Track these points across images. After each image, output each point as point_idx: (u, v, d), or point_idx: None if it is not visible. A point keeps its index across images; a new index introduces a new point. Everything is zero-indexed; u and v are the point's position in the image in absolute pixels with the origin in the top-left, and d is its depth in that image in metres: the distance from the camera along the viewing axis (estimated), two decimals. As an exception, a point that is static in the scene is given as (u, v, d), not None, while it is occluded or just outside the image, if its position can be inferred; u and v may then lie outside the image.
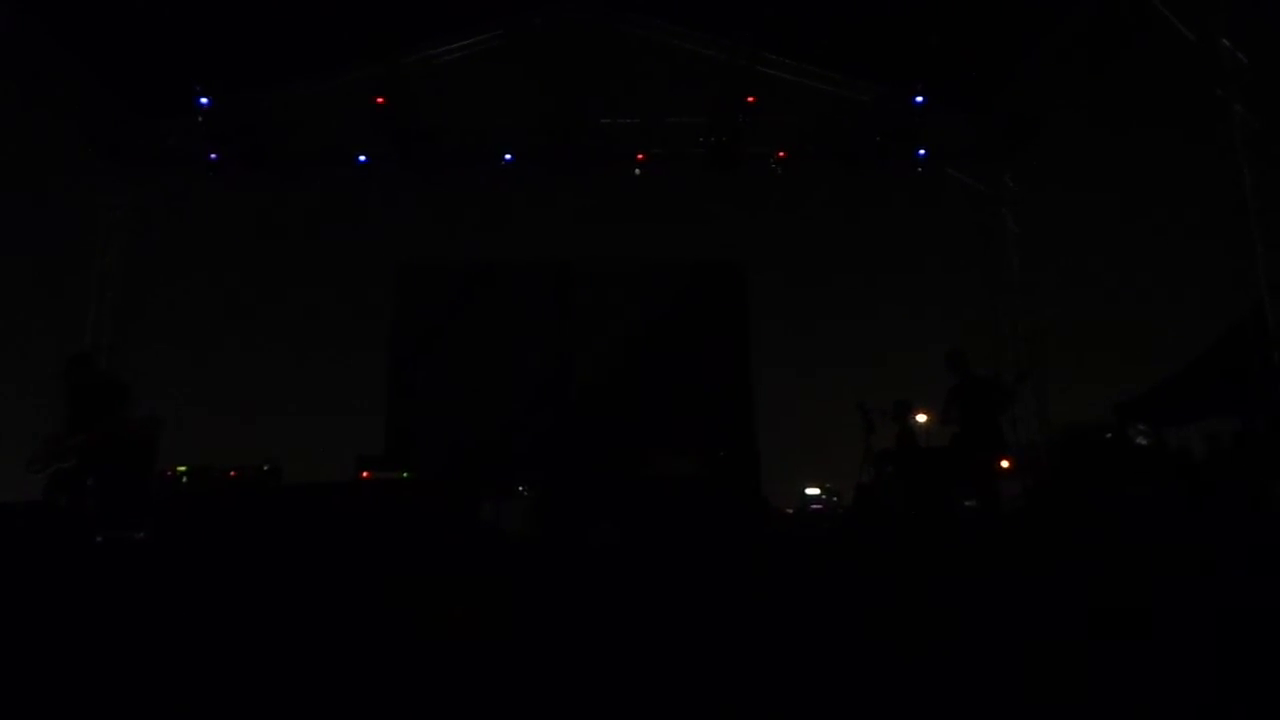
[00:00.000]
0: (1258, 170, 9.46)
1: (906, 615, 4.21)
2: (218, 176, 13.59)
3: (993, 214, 14.22)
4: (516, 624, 4.08)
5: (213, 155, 13.34)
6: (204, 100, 12.64)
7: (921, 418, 10.95)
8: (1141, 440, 8.75)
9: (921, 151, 13.78)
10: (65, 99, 12.28)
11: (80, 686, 2.70)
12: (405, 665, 3.03)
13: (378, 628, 3.93)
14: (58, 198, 13.31)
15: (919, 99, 12.94)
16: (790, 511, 14.62)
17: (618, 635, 3.75)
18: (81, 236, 13.38)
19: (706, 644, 3.40)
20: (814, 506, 15.54)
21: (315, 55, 12.84)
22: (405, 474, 10.38)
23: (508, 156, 13.70)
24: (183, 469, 10.24)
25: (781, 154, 13.75)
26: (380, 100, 12.84)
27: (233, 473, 9.98)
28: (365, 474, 10.48)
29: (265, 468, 10.08)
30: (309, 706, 2.50)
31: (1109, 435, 9.05)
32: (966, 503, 8.70)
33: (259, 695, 2.61)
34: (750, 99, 13.01)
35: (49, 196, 13.06)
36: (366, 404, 13.69)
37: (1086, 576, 5.16)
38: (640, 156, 13.77)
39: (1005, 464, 9.02)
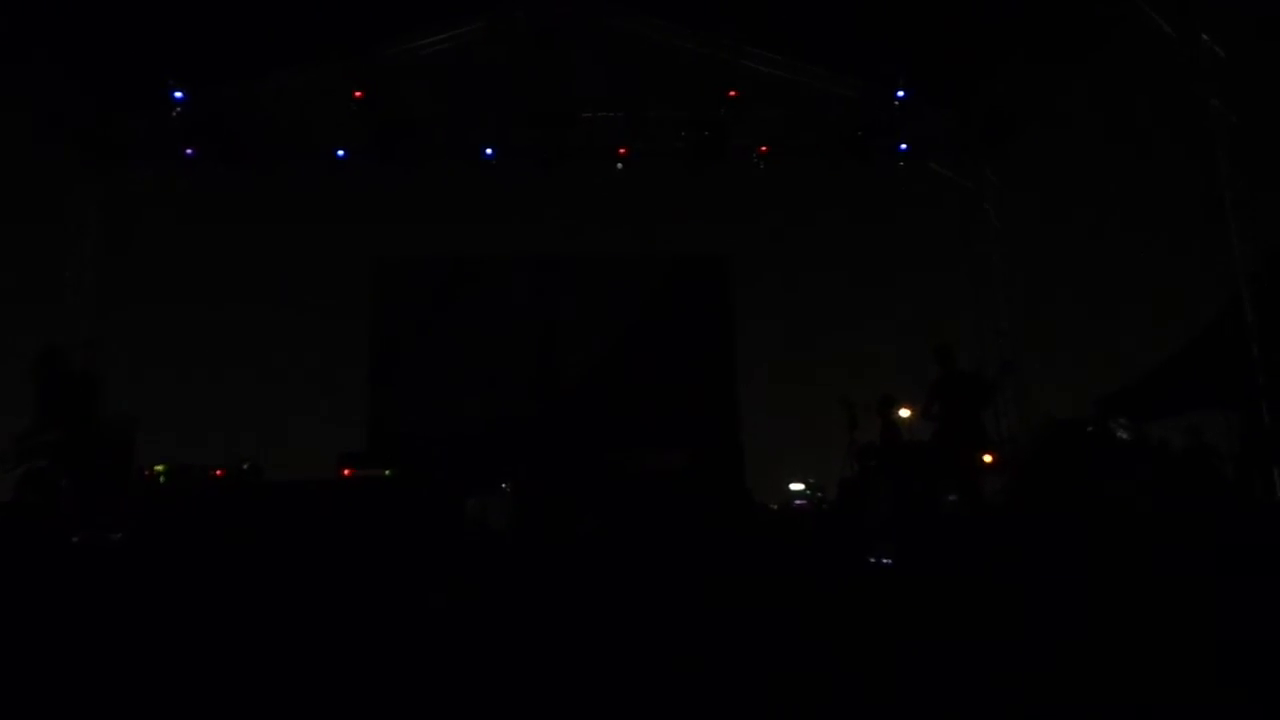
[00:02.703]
0: (1234, 165, 9.60)
1: (890, 611, 4.26)
2: (193, 172, 13.46)
3: (975, 208, 14.33)
4: (503, 621, 4.10)
5: (188, 150, 13.20)
6: (178, 94, 12.51)
7: (905, 412, 11.03)
8: (1123, 434, 8.84)
9: (904, 146, 13.86)
10: (35, 92, 12.09)
11: (61, 692, 2.69)
12: (395, 664, 3.05)
13: (366, 627, 3.94)
14: (29, 194, 13.13)
15: (901, 93, 13.01)
16: (775, 506, 14.68)
17: (602, 631, 3.78)
18: (54, 233, 13.22)
19: (691, 642, 3.43)
20: (798, 502, 15.57)
21: (292, 47, 12.73)
22: (388, 471, 10.32)
23: (488, 151, 13.66)
24: (161, 468, 10.13)
25: (764, 148, 13.79)
26: (358, 94, 12.76)
27: (219, 471, 9.86)
28: (347, 471, 10.41)
29: (245, 466, 9.98)
30: (299, 706, 2.51)
31: (1091, 429, 9.15)
32: (949, 497, 8.76)
33: (247, 696, 2.62)
34: (732, 93, 13.03)
35: (19, 193, 12.88)
36: (347, 401, 13.64)
37: (1070, 570, 5.23)
38: (622, 151, 13.77)
39: (987, 459, 9.10)
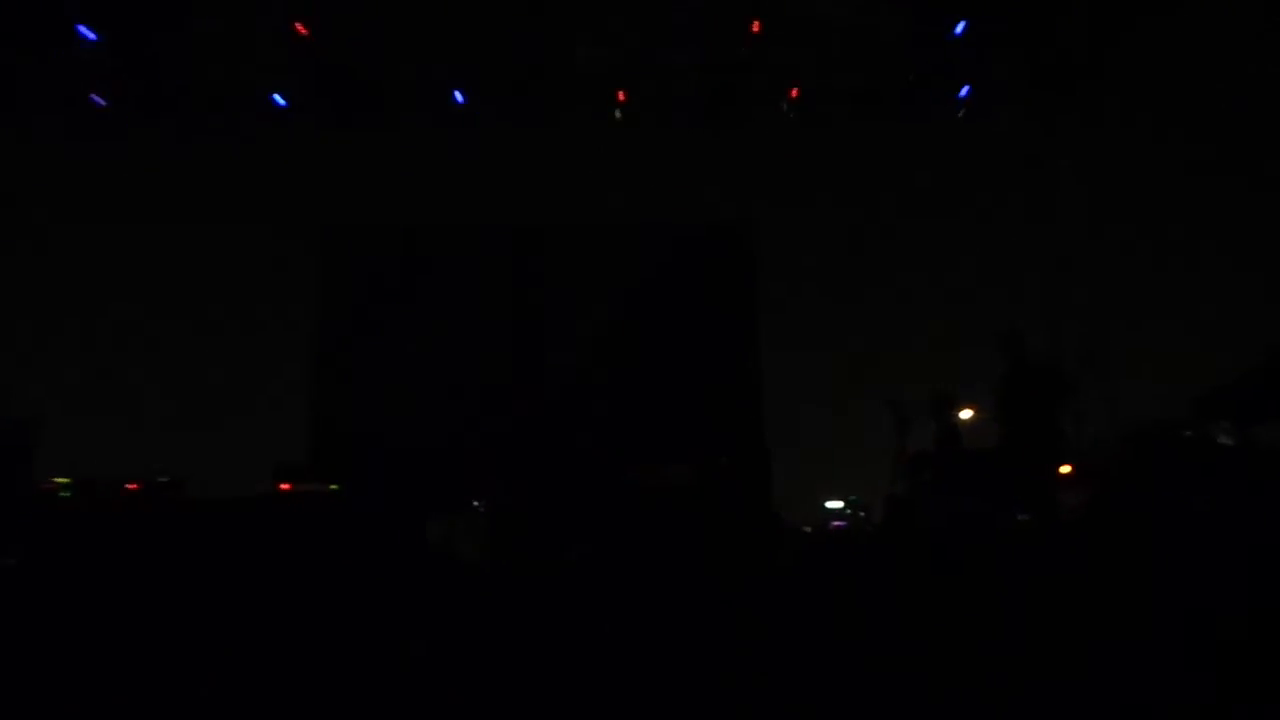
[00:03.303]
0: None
1: (953, 660, 4.21)
2: (103, 123, 13.43)
3: (1051, 166, 14.23)
4: (472, 670, 4.06)
5: (97, 98, 13.18)
6: (87, 31, 12.47)
7: (966, 414, 10.98)
8: (1226, 439, 8.79)
9: (964, 91, 13.76)
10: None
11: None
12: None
13: (306, 672, 3.91)
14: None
15: (960, 26, 12.90)
16: (808, 529, 14.67)
17: (594, 684, 3.74)
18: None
19: (701, 697, 3.39)
20: (836, 523, 15.60)
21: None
22: (334, 486, 10.34)
23: (459, 97, 13.59)
24: (63, 481, 10.15)
25: (794, 93, 13.70)
26: (301, 28, 12.70)
27: (132, 485, 9.91)
28: (285, 486, 10.43)
29: (163, 479, 10.01)
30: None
31: (1188, 434, 9.09)
32: (1020, 517, 8.74)
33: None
34: (755, 26, 12.94)
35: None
36: (286, 401, 13.61)
37: (1171, 606, 5.16)
38: (621, 96, 13.69)
39: (1065, 469, 9.05)
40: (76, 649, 4.61)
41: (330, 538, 7.70)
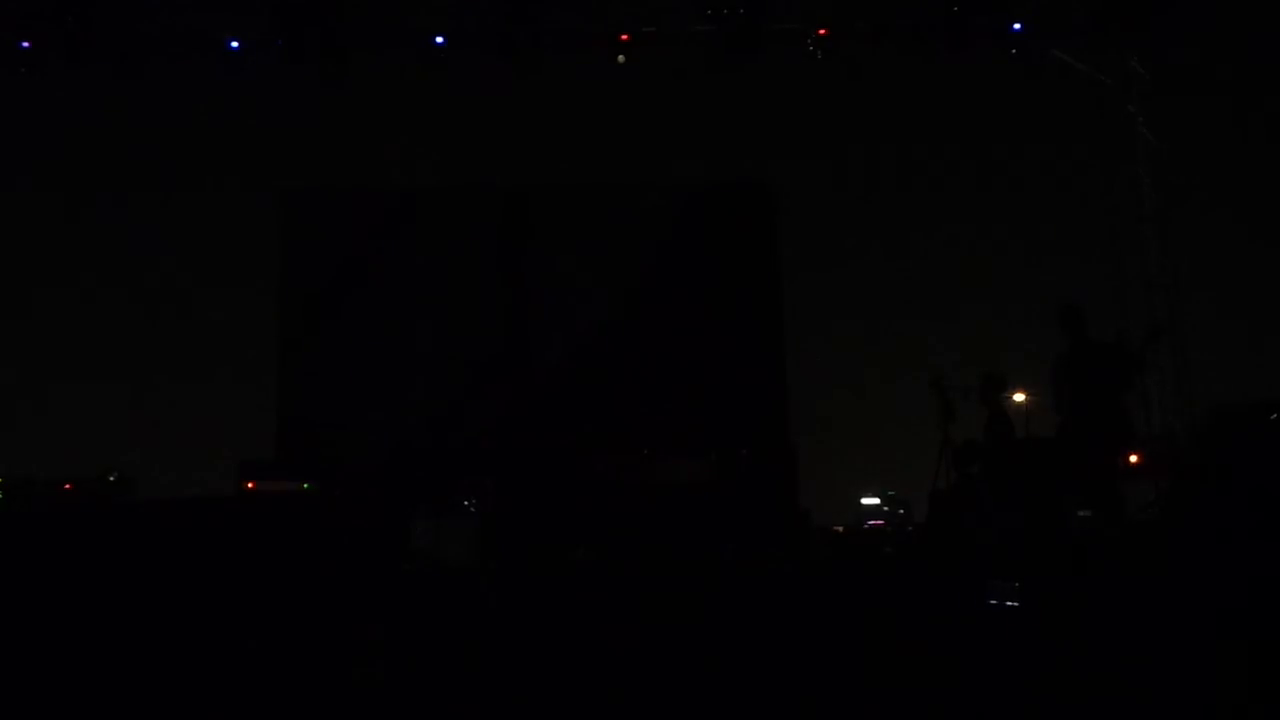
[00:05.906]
0: None
1: (1013, 685, 4.25)
2: (32, 71, 13.43)
3: (1117, 114, 14.19)
4: (461, 689, 4.12)
5: (24, 43, 13.17)
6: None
7: (1020, 397, 11.01)
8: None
9: (1017, 26, 13.71)
10: None
11: None
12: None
13: (272, 698, 3.96)
14: None
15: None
16: (840, 529, 14.75)
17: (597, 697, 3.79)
18: None
19: None
20: (872, 522, 15.71)
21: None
22: (305, 485, 10.43)
23: (439, 39, 13.57)
24: (-5, 482, 10.27)
25: (823, 31, 13.65)
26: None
27: (67, 485, 10.02)
28: (250, 485, 10.53)
29: (111, 478, 10.12)
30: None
31: (1276, 417, 9.12)
32: (1081, 513, 8.77)
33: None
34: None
35: None
36: (250, 389, 13.69)
37: (1259, 618, 5.20)
38: (624, 37, 13.66)
39: (1133, 459, 9.07)
40: (12, 675, 4.66)
41: (303, 543, 7.75)
